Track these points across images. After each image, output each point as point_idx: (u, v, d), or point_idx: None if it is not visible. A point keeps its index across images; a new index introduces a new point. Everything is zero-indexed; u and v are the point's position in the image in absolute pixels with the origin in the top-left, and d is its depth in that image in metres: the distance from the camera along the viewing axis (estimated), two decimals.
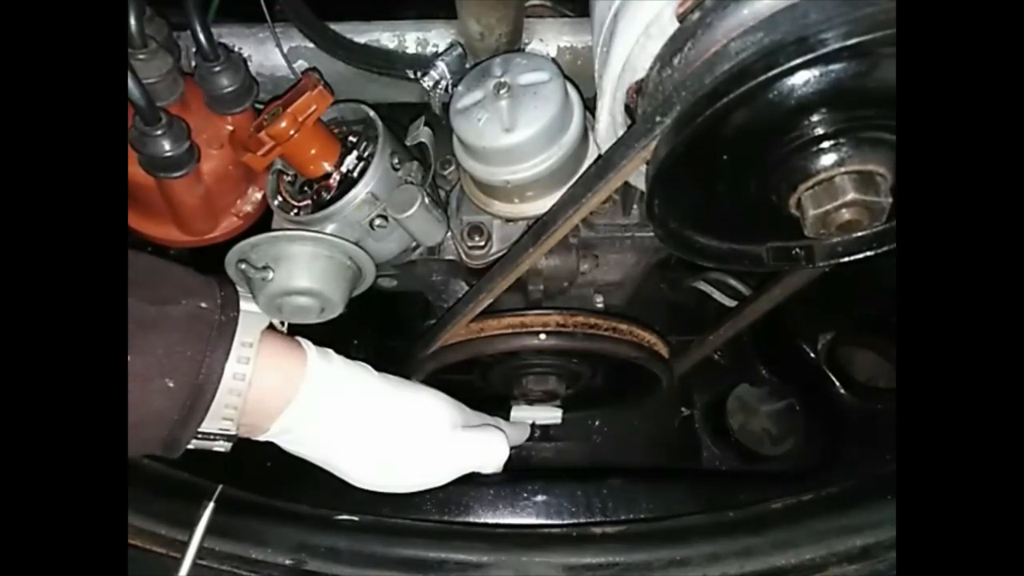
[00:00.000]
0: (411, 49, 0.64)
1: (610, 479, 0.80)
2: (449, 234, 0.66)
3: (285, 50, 0.64)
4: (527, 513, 0.78)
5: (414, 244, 0.65)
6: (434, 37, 0.64)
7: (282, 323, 0.56)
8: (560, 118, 0.53)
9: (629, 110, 0.48)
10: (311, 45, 0.64)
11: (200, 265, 0.51)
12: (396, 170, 0.59)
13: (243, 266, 0.53)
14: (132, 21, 0.53)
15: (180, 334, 0.45)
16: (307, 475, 0.55)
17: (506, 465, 0.61)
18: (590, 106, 0.53)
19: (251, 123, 0.58)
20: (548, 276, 0.72)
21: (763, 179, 0.42)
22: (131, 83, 0.51)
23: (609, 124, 0.49)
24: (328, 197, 0.59)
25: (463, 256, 0.66)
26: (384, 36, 0.64)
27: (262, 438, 0.52)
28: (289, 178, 0.62)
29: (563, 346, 0.66)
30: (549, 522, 0.77)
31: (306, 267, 0.54)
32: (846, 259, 0.48)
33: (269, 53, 0.65)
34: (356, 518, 0.67)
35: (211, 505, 0.55)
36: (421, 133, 0.65)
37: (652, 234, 0.52)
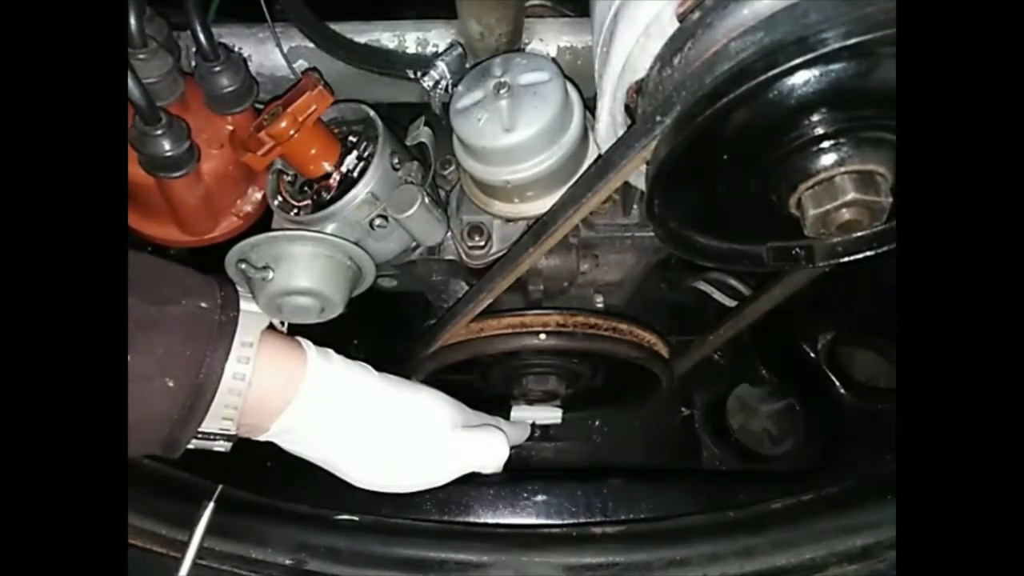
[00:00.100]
0: (411, 49, 0.64)
1: (610, 479, 0.80)
2: (449, 234, 0.66)
3: (285, 50, 0.64)
4: (527, 513, 0.78)
5: (414, 244, 0.65)
6: (434, 37, 0.64)
7: (282, 323, 0.56)
8: (560, 118, 0.53)
9: (629, 110, 0.48)
10: (311, 45, 0.64)
11: (200, 265, 0.51)
12: (396, 170, 0.59)
13: (243, 266, 0.53)
14: (132, 21, 0.53)
15: (180, 334, 0.45)
16: (307, 475, 0.55)
17: (506, 465, 0.61)
18: (590, 106, 0.53)
19: (251, 123, 0.58)
20: (548, 276, 0.72)
21: (763, 179, 0.42)
22: (131, 83, 0.51)
23: (609, 124, 0.49)
24: (328, 197, 0.59)
25: (463, 256, 0.66)
26: (384, 36, 0.64)
27: (262, 438, 0.52)
28: (289, 178, 0.62)
29: (563, 346, 0.66)
30: (549, 522, 0.77)
31: (306, 267, 0.54)
32: (846, 259, 0.48)
33: (269, 53, 0.65)
34: (356, 518, 0.67)
35: (211, 505, 0.55)
36: (421, 133, 0.65)
37: (652, 234, 0.52)
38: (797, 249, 0.49)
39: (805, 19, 0.34)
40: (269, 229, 0.58)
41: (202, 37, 0.56)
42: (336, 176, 0.59)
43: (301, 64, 0.66)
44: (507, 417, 0.78)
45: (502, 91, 0.53)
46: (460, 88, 0.56)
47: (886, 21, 0.32)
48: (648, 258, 0.73)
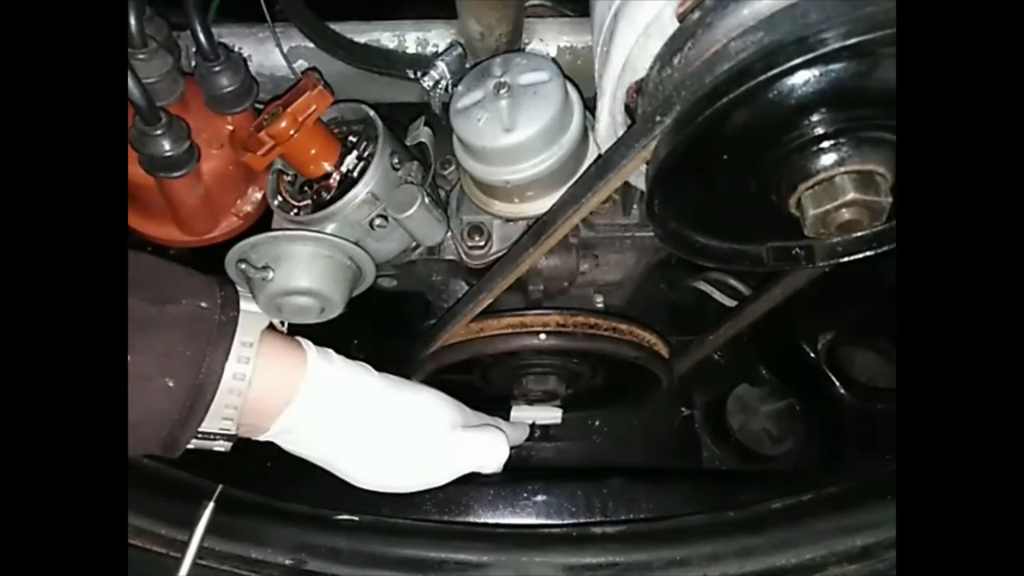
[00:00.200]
0: (411, 49, 0.64)
1: (610, 479, 0.80)
2: (449, 234, 0.66)
3: (285, 50, 0.64)
4: (527, 513, 0.78)
5: (414, 244, 0.65)
6: (434, 37, 0.64)
7: (282, 323, 0.56)
8: (560, 118, 0.53)
9: (629, 110, 0.48)
10: (311, 45, 0.64)
11: (200, 265, 0.51)
12: (396, 170, 0.59)
13: (243, 266, 0.53)
14: (132, 21, 0.53)
15: (180, 334, 0.45)
16: (307, 475, 0.55)
17: (506, 465, 0.61)
18: (590, 106, 0.53)
19: (251, 123, 0.58)
20: (548, 276, 0.72)
21: (763, 179, 0.42)
22: (131, 83, 0.51)
23: (609, 124, 0.49)
24: (328, 197, 0.59)
25: (463, 256, 0.66)
26: (384, 36, 0.64)
27: (262, 438, 0.52)
28: (289, 178, 0.62)
29: (563, 346, 0.66)
30: (549, 522, 0.77)
31: (306, 267, 0.54)
32: (846, 259, 0.48)
33: (269, 53, 0.65)
34: (356, 518, 0.67)
35: (211, 505, 0.55)
36: (421, 133, 0.65)
37: (652, 234, 0.52)
38: (797, 249, 0.49)
39: (805, 19, 0.34)
40: (269, 229, 0.58)
41: (202, 37, 0.56)
42: (336, 176, 0.59)
43: (301, 64, 0.66)
44: (507, 417, 0.78)
45: (502, 91, 0.53)
46: (460, 88, 0.56)
47: (886, 21, 0.32)
48: (648, 258, 0.73)
